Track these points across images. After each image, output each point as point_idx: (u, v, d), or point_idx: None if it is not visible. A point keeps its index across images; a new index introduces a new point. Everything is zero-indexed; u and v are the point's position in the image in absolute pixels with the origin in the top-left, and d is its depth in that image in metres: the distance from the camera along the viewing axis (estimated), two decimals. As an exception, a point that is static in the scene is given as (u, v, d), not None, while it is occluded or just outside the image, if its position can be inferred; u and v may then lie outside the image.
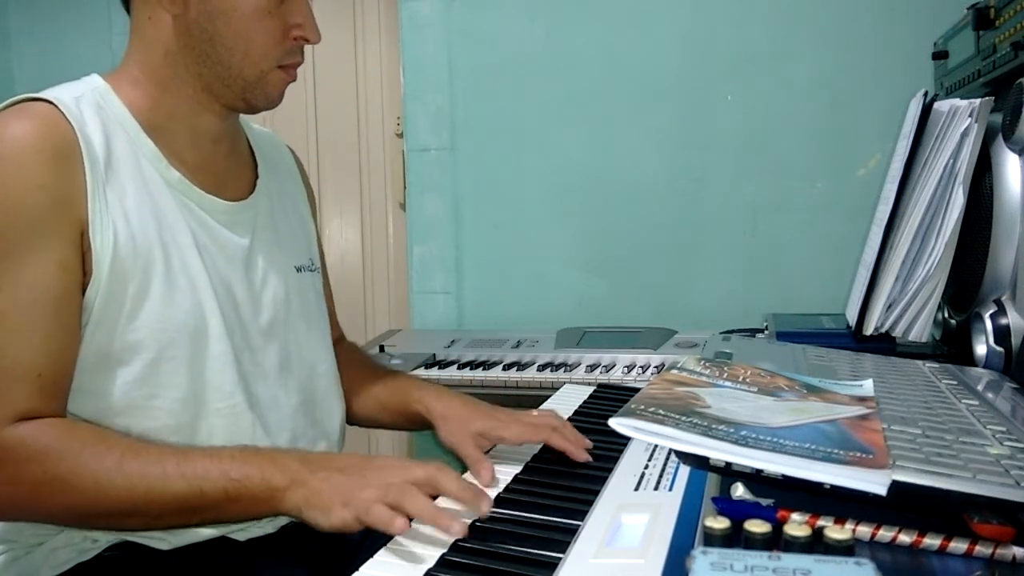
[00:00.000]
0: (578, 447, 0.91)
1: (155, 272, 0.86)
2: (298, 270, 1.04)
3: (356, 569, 0.68)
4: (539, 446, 0.95)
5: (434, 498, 0.77)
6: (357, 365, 1.16)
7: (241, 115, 1.01)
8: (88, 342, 0.84)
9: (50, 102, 0.85)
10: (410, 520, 0.72)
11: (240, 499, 0.78)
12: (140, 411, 0.86)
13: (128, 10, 0.94)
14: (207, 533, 0.88)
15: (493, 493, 0.83)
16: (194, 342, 0.88)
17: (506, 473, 0.88)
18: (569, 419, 1.08)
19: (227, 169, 0.99)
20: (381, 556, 0.70)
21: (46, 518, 0.84)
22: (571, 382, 1.47)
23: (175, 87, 0.91)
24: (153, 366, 0.86)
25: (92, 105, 0.87)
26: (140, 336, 0.85)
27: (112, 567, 0.86)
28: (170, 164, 0.91)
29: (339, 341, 1.20)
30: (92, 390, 0.85)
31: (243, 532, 0.92)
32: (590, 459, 0.91)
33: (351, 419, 1.13)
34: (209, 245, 0.92)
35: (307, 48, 0.96)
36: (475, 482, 0.84)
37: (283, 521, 0.96)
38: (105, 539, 0.86)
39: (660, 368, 1.57)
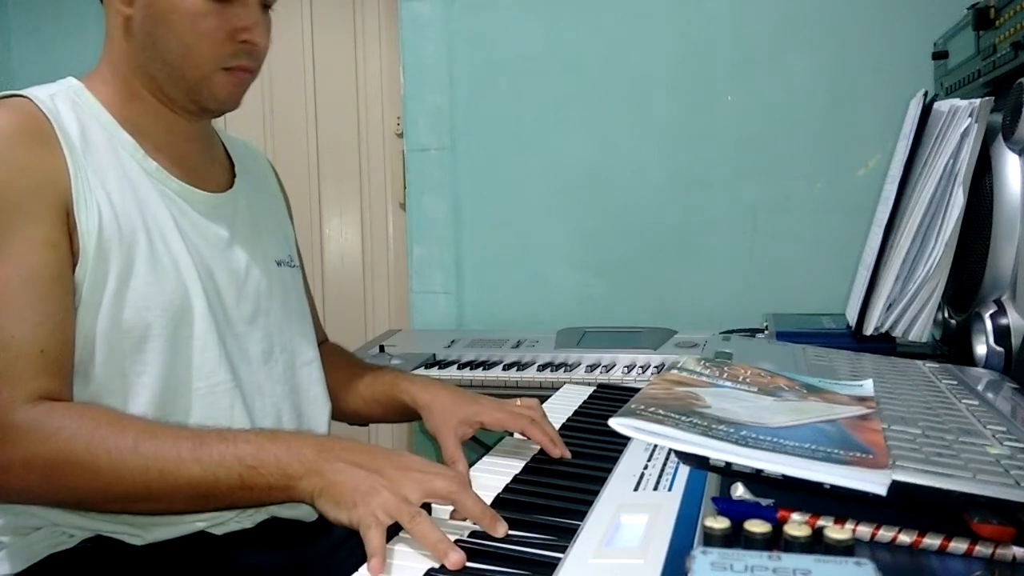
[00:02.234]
0: (554, 443, 0.93)
1: (138, 252, 0.87)
2: (278, 264, 1.05)
3: (341, 562, 0.68)
4: (539, 446, 0.95)
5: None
6: (343, 363, 1.16)
7: (214, 122, 1.02)
8: (77, 323, 0.84)
9: (24, 97, 0.86)
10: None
11: (255, 487, 0.77)
12: (124, 391, 0.86)
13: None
14: (183, 528, 0.88)
15: (493, 493, 0.83)
16: (178, 322, 0.89)
17: (506, 473, 0.88)
18: (569, 419, 1.09)
19: (203, 166, 1.00)
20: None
21: (57, 500, 0.83)
22: (571, 382, 1.47)
23: (138, 88, 0.92)
24: (138, 345, 0.86)
25: (67, 101, 0.89)
26: (125, 316, 0.86)
27: (85, 560, 0.85)
28: (148, 155, 0.92)
29: (322, 342, 1.20)
30: (78, 370, 0.85)
31: (221, 527, 0.92)
32: (567, 455, 0.93)
33: (341, 416, 1.13)
34: (190, 231, 0.93)
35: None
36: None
37: (261, 517, 0.95)
38: (81, 534, 0.86)
39: (660, 368, 1.57)
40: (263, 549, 0.94)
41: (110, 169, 0.88)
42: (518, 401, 1.01)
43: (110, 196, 0.86)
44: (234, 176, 1.04)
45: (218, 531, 0.91)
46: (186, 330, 0.90)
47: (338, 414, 1.12)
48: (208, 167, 1.01)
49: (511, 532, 0.72)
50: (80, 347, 0.84)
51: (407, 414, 1.08)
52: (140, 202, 0.89)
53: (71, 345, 0.83)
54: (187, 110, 0.94)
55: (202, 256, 0.93)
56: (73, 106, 0.89)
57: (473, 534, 0.73)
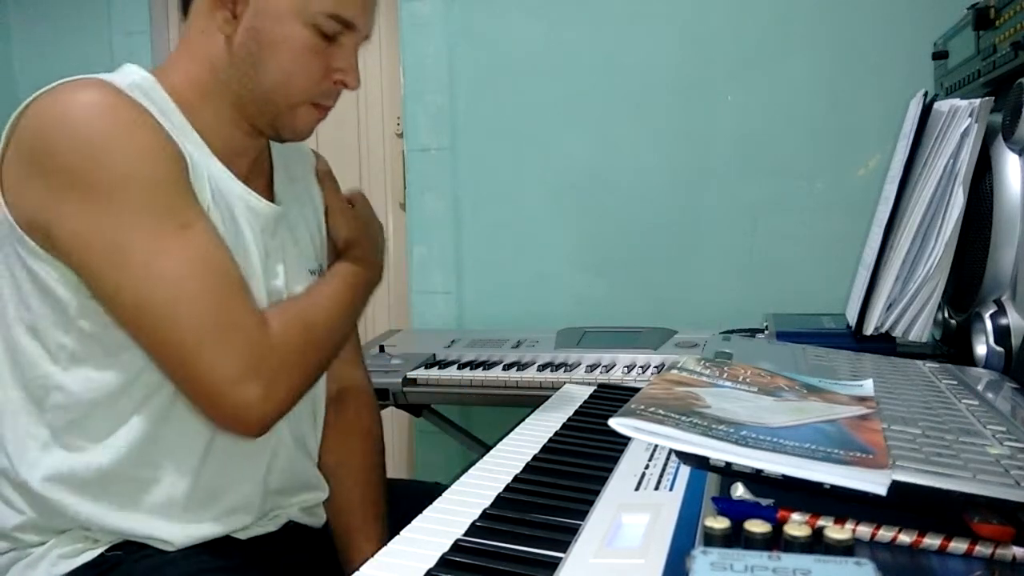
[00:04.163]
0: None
1: None
2: (311, 273, 1.05)
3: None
4: (539, 446, 0.95)
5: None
6: (360, 468, 1.11)
7: None
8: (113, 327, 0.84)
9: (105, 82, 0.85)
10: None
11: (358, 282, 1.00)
12: (151, 399, 0.86)
13: (185, 15, 0.94)
14: (209, 532, 0.89)
15: (493, 494, 0.83)
16: None
17: (506, 473, 0.88)
18: (569, 419, 1.08)
19: (254, 178, 1.00)
20: (381, 556, 0.70)
21: (312, 368, 0.92)
22: (571, 382, 1.47)
23: (213, 101, 0.92)
24: None
25: (142, 95, 0.88)
26: None
27: (114, 567, 0.86)
28: (211, 153, 0.92)
29: (359, 386, 1.18)
30: (105, 381, 0.85)
31: (245, 531, 0.92)
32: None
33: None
34: (234, 238, 0.93)
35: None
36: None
37: (283, 519, 0.96)
38: (107, 539, 0.87)
39: (660, 368, 1.57)
40: (288, 552, 0.94)
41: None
42: None
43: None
44: (272, 183, 1.04)
45: (243, 536, 0.91)
46: None
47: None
48: (257, 180, 1.01)
49: (511, 531, 0.72)
50: (117, 352, 0.85)
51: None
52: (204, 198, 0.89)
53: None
54: (261, 133, 0.95)
55: (241, 264, 0.93)
56: (145, 98, 0.87)
57: (472, 533, 0.73)
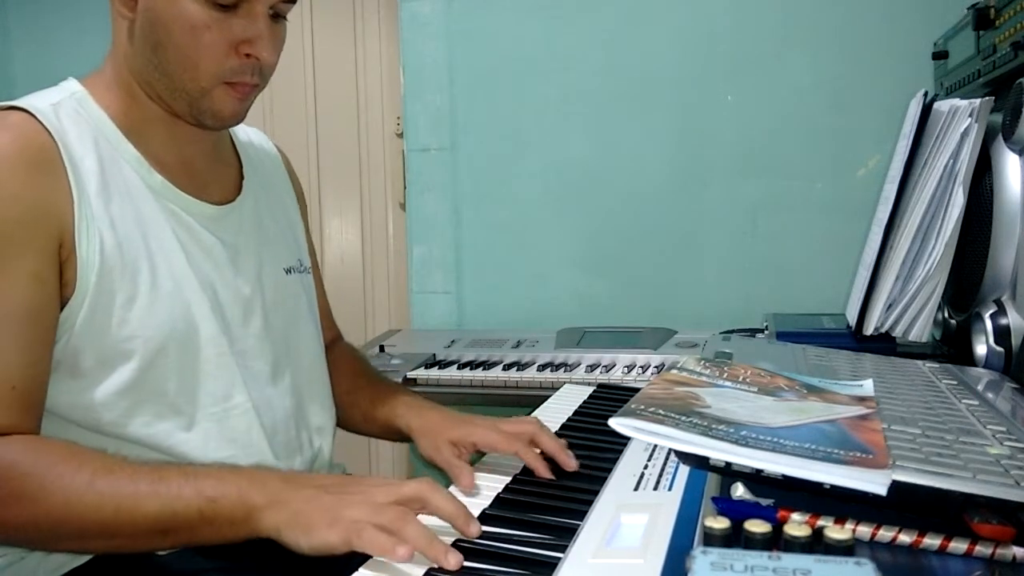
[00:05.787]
0: (558, 454, 0.89)
1: (142, 280, 0.85)
2: (287, 272, 1.03)
3: (354, 568, 0.68)
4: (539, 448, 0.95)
5: None
6: (349, 372, 1.14)
7: None
8: (77, 352, 0.82)
9: (27, 111, 0.83)
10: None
11: (215, 520, 0.73)
12: (133, 418, 0.85)
13: None
14: None
15: (493, 494, 0.83)
16: (186, 347, 0.87)
17: (506, 473, 0.88)
18: (569, 419, 1.08)
19: (209, 171, 0.97)
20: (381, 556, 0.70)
21: (9, 538, 0.80)
22: (571, 382, 1.46)
23: (140, 94, 0.89)
24: (144, 372, 0.85)
25: (70, 113, 0.86)
26: (131, 345, 0.84)
27: (107, 571, 0.85)
28: (152, 168, 0.89)
29: (335, 341, 1.19)
30: (84, 400, 0.83)
31: None
32: (573, 466, 0.88)
33: (342, 426, 1.12)
34: (194, 250, 0.91)
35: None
36: (460, 497, 0.80)
37: None
38: None
39: (660, 368, 1.57)
40: (283, 553, 0.93)
41: (114, 191, 0.85)
42: (513, 419, 0.96)
43: (113, 222, 0.84)
44: (243, 177, 1.02)
45: None
46: (194, 355, 0.88)
47: (340, 423, 1.11)
48: (215, 172, 0.98)
49: (511, 531, 0.72)
50: (85, 377, 0.83)
51: (402, 438, 1.05)
52: (142, 223, 0.87)
53: (45, 381, 0.81)
54: (186, 121, 0.91)
55: (206, 274, 0.91)
56: (76, 118, 0.86)
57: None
